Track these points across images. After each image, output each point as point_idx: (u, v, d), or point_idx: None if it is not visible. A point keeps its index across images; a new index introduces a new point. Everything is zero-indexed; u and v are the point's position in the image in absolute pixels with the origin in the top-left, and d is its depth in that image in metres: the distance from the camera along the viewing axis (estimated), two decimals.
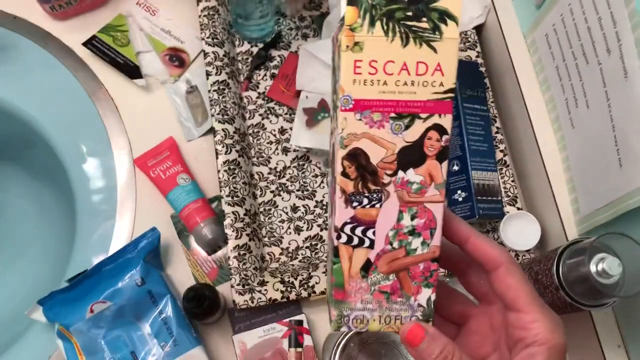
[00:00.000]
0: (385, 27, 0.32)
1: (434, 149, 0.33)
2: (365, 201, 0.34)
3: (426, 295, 0.35)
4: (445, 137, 0.33)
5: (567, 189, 0.68)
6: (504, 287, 0.34)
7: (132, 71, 0.80)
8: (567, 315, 0.59)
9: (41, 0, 0.78)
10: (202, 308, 0.64)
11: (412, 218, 0.34)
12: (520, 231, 0.70)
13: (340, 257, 0.34)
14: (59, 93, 0.81)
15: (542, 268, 0.58)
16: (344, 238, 0.34)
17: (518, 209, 0.73)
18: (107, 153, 0.79)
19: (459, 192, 0.71)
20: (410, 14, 0.32)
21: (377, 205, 0.34)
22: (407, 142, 0.33)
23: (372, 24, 0.32)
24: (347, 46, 0.32)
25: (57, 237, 0.89)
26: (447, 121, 0.33)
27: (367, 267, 0.34)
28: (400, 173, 0.33)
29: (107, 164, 0.78)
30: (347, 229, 0.34)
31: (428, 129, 0.33)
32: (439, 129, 0.33)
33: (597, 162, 0.61)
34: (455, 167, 0.72)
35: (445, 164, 0.33)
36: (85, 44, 0.80)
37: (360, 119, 0.33)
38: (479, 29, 0.81)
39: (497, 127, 0.76)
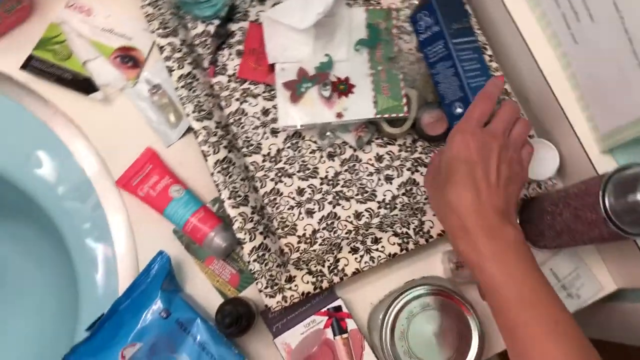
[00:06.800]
0: None
1: None
2: None
3: None
4: None
5: (579, 107, 0.65)
6: None
7: (84, 85, 0.72)
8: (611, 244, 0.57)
9: None
10: (240, 327, 0.60)
11: None
12: (537, 160, 0.67)
13: None
14: (7, 128, 0.72)
15: (582, 203, 0.55)
16: None
17: (529, 137, 0.69)
18: (82, 181, 0.71)
19: None
20: None
21: None
22: None
23: None
24: None
25: (56, 279, 0.83)
26: None
27: None
28: None
29: (86, 193, 0.71)
30: None
31: None
32: None
33: (614, 77, 0.57)
34: (459, 110, 0.67)
35: None
36: (23, 67, 0.71)
37: None
38: None
39: (489, 55, 0.71)
